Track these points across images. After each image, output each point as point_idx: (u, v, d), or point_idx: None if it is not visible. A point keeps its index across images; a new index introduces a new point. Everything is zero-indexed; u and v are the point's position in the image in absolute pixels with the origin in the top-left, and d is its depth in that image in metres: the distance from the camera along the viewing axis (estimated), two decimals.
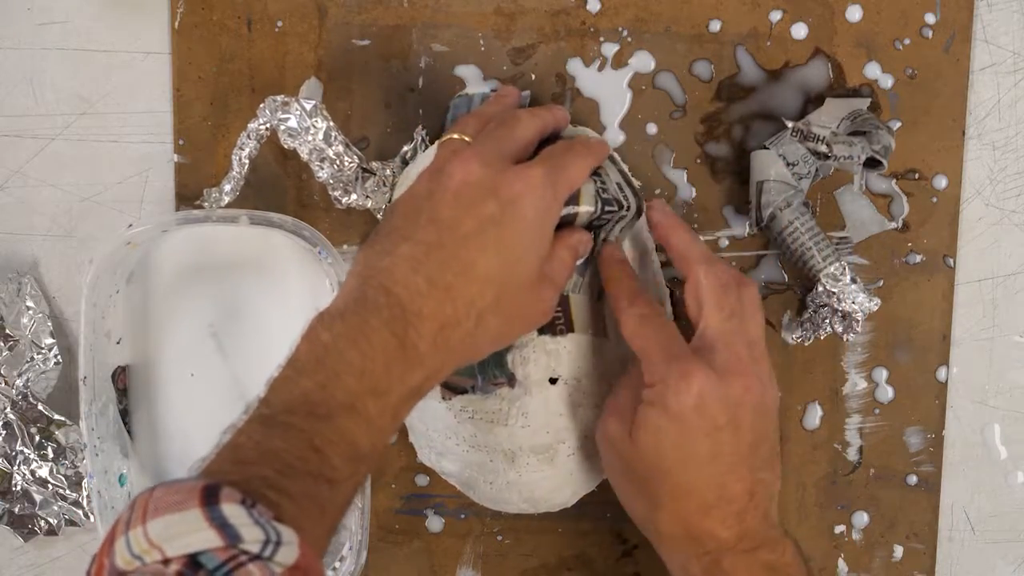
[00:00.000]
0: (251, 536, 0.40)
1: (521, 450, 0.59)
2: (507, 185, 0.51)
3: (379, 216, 0.63)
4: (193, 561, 0.39)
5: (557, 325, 0.58)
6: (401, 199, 0.53)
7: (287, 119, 0.60)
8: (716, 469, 0.53)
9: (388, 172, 0.62)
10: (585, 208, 0.56)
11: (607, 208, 0.57)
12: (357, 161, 0.61)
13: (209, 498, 0.41)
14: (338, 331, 0.48)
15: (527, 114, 0.56)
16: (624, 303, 0.56)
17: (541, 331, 0.58)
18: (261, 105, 0.60)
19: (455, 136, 0.55)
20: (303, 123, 0.60)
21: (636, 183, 0.63)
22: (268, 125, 0.60)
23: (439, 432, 0.61)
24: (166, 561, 0.39)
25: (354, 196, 0.61)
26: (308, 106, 0.60)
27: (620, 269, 0.58)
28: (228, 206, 0.62)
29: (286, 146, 0.60)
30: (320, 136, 0.60)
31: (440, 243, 0.50)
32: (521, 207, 0.51)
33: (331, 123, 0.60)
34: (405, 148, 0.63)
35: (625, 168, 0.62)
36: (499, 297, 0.51)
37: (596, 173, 0.58)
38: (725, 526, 0.54)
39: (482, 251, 0.50)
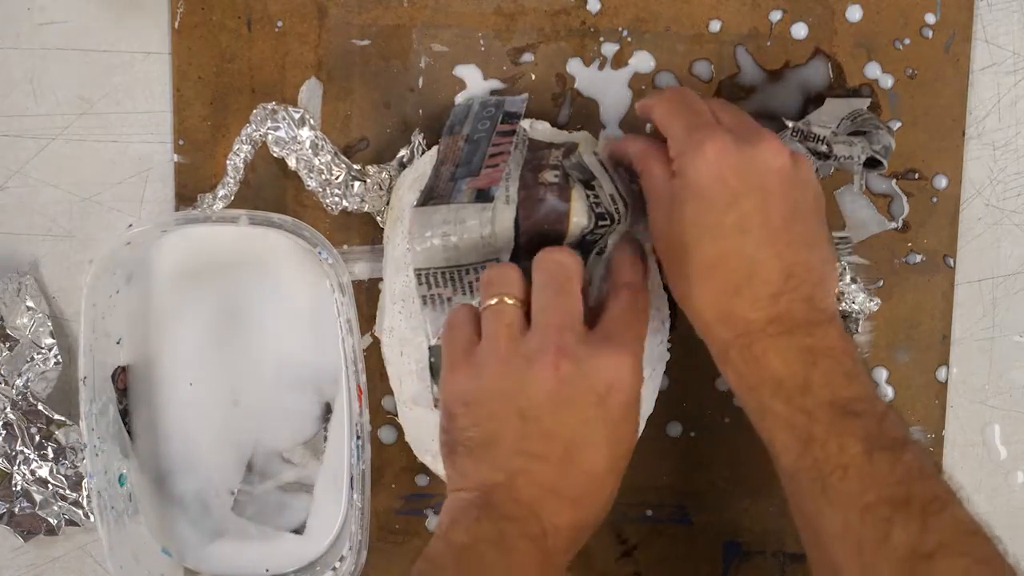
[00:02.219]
0: None
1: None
2: (603, 378, 0.50)
3: (378, 219, 0.63)
4: None
5: None
6: (483, 395, 0.51)
7: (276, 128, 0.60)
8: (743, 242, 0.51)
9: (385, 176, 0.62)
10: (576, 220, 0.56)
11: (600, 223, 0.57)
12: (345, 169, 0.61)
13: None
14: (475, 534, 0.48)
15: (572, 262, 0.53)
16: (653, 100, 0.56)
17: None
18: (253, 112, 0.60)
19: (504, 300, 0.52)
20: (290, 133, 0.60)
21: (636, 186, 0.63)
22: (260, 132, 0.60)
23: (433, 439, 0.61)
24: None
25: (345, 203, 0.61)
26: (296, 115, 0.60)
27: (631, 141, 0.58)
28: (227, 207, 0.62)
29: (275, 155, 0.60)
30: (307, 146, 0.60)
31: (555, 455, 0.49)
32: (620, 396, 0.50)
33: (319, 132, 0.60)
34: (402, 152, 0.63)
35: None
36: (617, 477, 0.51)
37: (590, 186, 0.58)
38: (755, 308, 0.51)
39: (597, 452, 0.50)
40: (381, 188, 0.62)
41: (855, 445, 0.49)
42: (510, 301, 0.52)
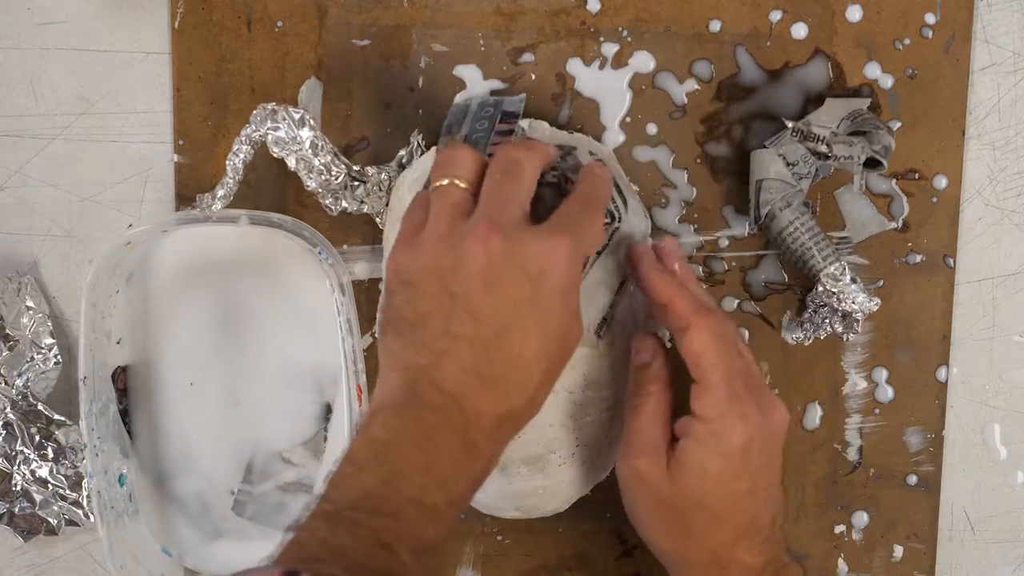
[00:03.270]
0: None
1: (512, 460, 0.59)
2: (535, 259, 0.49)
3: (377, 220, 0.63)
4: None
5: None
6: (418, 274, 0.50)
7: (276, 129, 0.60)
8: (751, 502, 0.55)
9: (384, 177, 0.62)
10: None
11: (602, 220, 0.57)
12: (345, 170, 0.61)
13: None
14: (395, 428, 0.48)
15: (527, 156, 0.52)
16: (692, 315, 0.54)
17: None
18: (253, 112, 0.60)
19: (453, 182, 0.51)
20: (290, 133, 0.60)
21: (634, 187, 0.63)
22: (260, 132, 0.60)
23: None
24: None
25: (344, 204, 0.61)
26: (296, 116, 0.60)
27: (676, 283, 0.55)
28: (228, 206, 0.62)
29: (274, 155, 0.60)
30: (307, 146, 0.60)
31: (480, 335, 0.48)
32: (552, 280, 0.49)
33: (318, 133, 0.60)
34: (401, 152, 0.63)
35: (620, 171, 0.62)
36: (548, 371, 0.50)
37: None
38: (752, 554, 0.55)
39: (525, 337, 0.49)
40: (380, 189, 0.62)
41: None
42: (459, 183, 0.51)
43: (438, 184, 0.52)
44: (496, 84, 0.64)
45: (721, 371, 0.53)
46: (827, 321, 0.63)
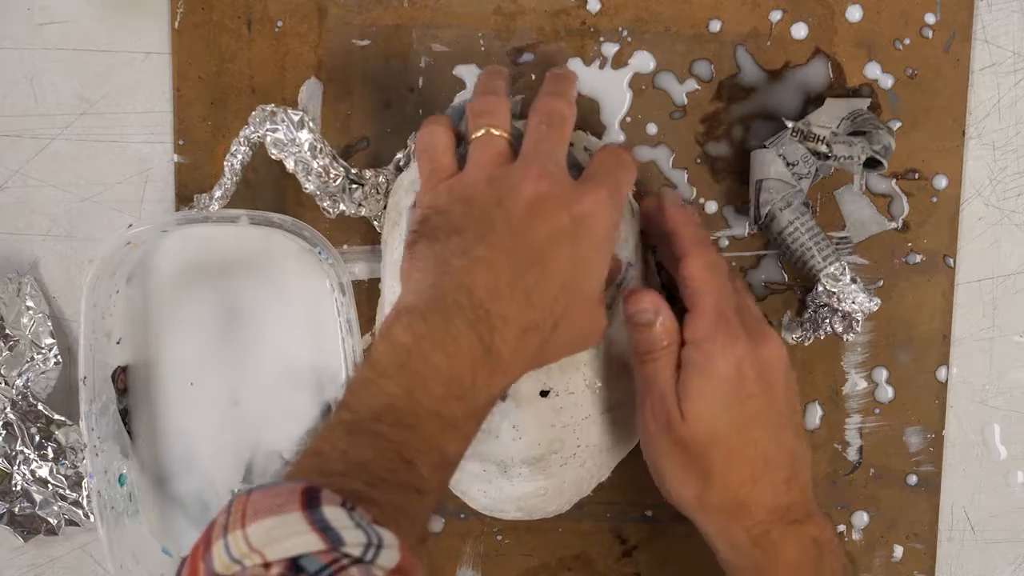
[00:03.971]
0: (352, 539, 0.39)
1: (513, 461, 0.59)
2: (578, 203, 0.51)
3: (375, 223, 0.63)
4: (294, 565, 0.38)
5: None
6: (461, 197, 0.52)
7: (275, 130, 0.60)
8: (760, 434, 0.55)
9: (381, 179, 0.62)
10: None
11: None
12: (343, 173, 0.61)
13: (310, 501, 0.40)
14: (420, 332, 0.47)
15: (568, 109, 0.55)
16: (690, 245, 0.56)
17: None
18: (252, 113, 0.60)
19: (491, 132, 0.54)
20: (289, 135, 0.60)
21: (633, 187, 0.63)
22: (258, 134, 0.60)
23: None
24: (267, 565, 0.39)
25: (343, 206, 0.61)
26: (295, 118, 0.60)
27: (685, 214, 0.58)
28: (227, 206, 0.62)
29: (272, 157, 0.60)
30: (305, 148, 0.60)
31: (517, 248, 0.50)
32: (592, 225, 0.51)
33: (317, 135, 0.60)
34: (399, 155, 0.63)
35: None
36: (569, 308, 0.51)
37: None
38: (774, 494, 0.55)
39: (557, 261, 0.50)
40: (378, 192, 0.62)
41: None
42: (499, 132, 0.54)
43: (478, 134, 0.54)
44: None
45: (712, 297, 0.55)
46: (827, 321, 0.63)
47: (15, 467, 0.63)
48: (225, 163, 0.61)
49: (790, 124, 0.61)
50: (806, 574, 0.55)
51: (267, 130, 0.60)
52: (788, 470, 0.56)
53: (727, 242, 0.65)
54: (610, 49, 0.64)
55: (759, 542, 0.55)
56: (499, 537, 0.66)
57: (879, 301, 0.62)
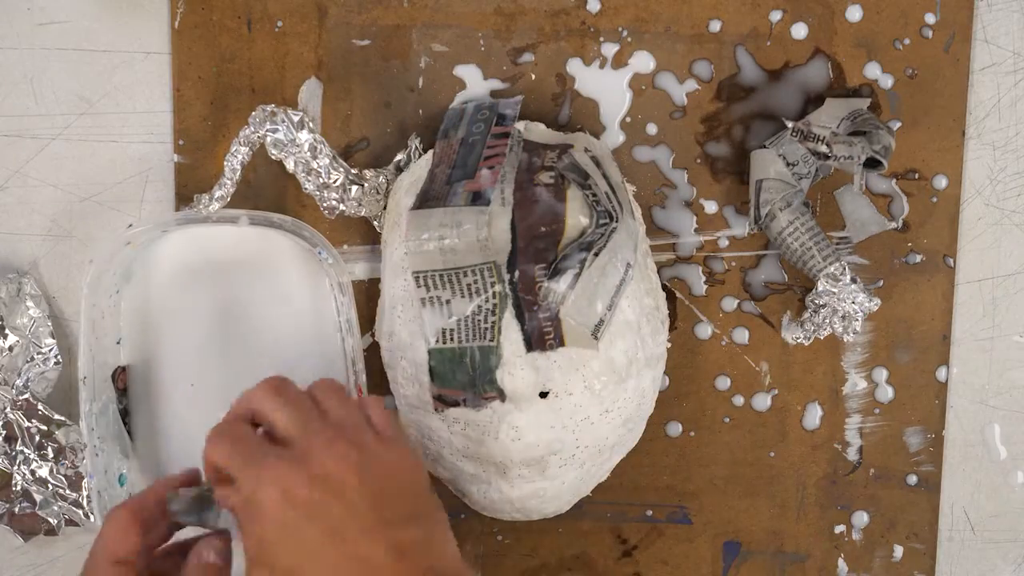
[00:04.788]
0: None
1: (512, 462, 0.59)
2: None
3: (375, 224, 0.63)
4: None
5: (547, 340, 0.57)
6: None
7: (275, 130, 0.60)
8: (344, 546, 0.47)
9: (381, 180, 0.62)
10: (573, 222, 0.56)
11: (601, 221, 0.57)
12: (343, 173, 0.61)
13: None
14: None
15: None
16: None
17: (531, 348, 0.58)
18: (252, 113, 0.60)
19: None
20: (289, 135, 0.60)
21: (632, 187, 0.63)
22: (258, 134, 0.60)
23: (432, 442, 0.61)
24: None
25: (342, 207, 0.61)
26: (295, 118, 0.60)
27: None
28: (227, 206, 0.62)
29: (272, 157, 0.60)
30: (305, 149, 0.60)
31: None
32: None
33: (317, 135, 0.60)
34: (399, 156, 0.63)
35: (617, 171, 0.61)
36: None
37: (586, 186, 0.58)
38: None
39: None
40: (378, 192, 0.62)
41: None
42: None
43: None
44: (496, 84, 0.64)
45: (229, 452, 0.50)
46: (827, 321, 0.63)
47: (15, 467, 0.63)
48: (225, 163, 0.61)
49: (790, 124, 0.61)
50: None
51: (267, 130, 0.60)
52: (393, 567, 0.47)
53: (727, 242, 0.65)
54: (610, 49, 0.64)
55: None
56: (499, 537, 0.66)
57: (879, 301, 0.62)
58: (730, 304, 0.65)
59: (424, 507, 0.51)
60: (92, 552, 0.50)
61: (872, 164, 0.61)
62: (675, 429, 0.66)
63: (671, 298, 0.65)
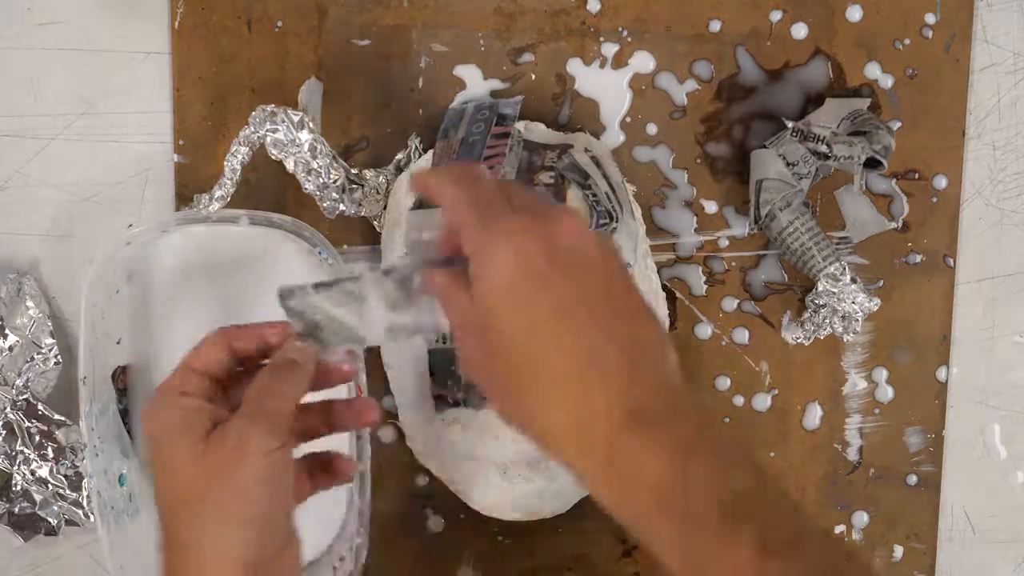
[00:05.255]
0: None
1: (512, 462, 0.59)
2: None
3: (375, 224, 0.63)
4: None
5: None
6: None
7: (275, 130, 0.60)
8: (570, 336, 0.44)
9: (381, 180, 0.62)
10: None
11: (601, 221, 0.57)
12: (343, 173, 0.61)
13: None
14: None
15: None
16: (433, 178, 0.48)
17: None
18: (252, 113, 0.60)
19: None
20: (289, 135, 0.60)
21: (632, 188, 0.63)
22: (258, 134, 0.60)
23: (433, 441, 0.61)
24: None
25: (342, 207, 0.61)
26: (295, 118, 0.60)
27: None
28: (227, 206, 0.62)
29: (272, 157, 0.60)
30: (305, 149, 0.60)
31: None
32: None
33: (317, 135, 0.60)
34: (399, 156, 0.63)
35: (617, 171, 0.61)
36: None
37: (586, 186, 0.58)
38: (609, 399, 0.43)
39: None
40: (378, 192, 0.62)
41: (746, 552, 0.42)
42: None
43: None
44: (496, 84, 0.64)
45: (460, 201, 0.46)
46: (827, 321, 0.63)
47: (15, 467, 0.63)
48: (225, 163, 0.61)
49: (790, 124, 0.61)
50: (669, 492, 0.43)
51: (267, 130, 0.60)
52: (626, 371, 0.44)
53: (727, 242, 0.65)
54: (610, 49, 0.64)
55: (612, 464, 0.43)
56: (499, 537, 0.66)
57: (879, 301, 0.62)
58: (730, 304, 0.65)
59: (651, 313, 0.46)
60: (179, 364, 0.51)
61: (872, 164, 0.61)
62: None
63: (671, 298, 0.65)
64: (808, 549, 0.43)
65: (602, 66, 0.64)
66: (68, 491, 0.64)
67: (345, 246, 0.64)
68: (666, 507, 0.43)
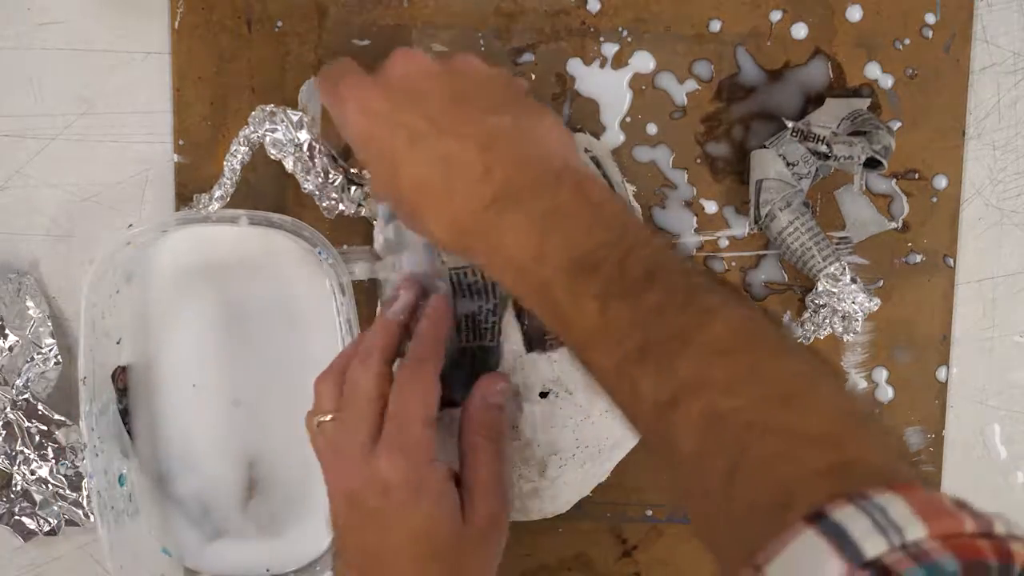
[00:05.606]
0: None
1: (512, 462, 0.59)
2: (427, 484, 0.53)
3: (375, 224, 0.63)
4: None
5: (547, 340, 0.57)
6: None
7: (274, 130, 0.60)
8: (423, 147, 0.49)
9: None
10: None
11: None
12: (343, 173, 0.61)
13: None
14: None
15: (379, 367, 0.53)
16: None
17: (531, 348, 0.58)
18: (252, 113, 0.60)
19: (326, 419, 0.54)
20: (288, 135, 0.60)
21: (632, 188, 0.63)
22: (258, 134, 0.60)
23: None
24: None
25: (342, 207, 0.61)
26: (295, 118, 0.60)
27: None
28: (227, 206, 0.62)
29: (272, 157, 0.60)
30: (304, 148, 0.60)
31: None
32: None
33: (316, 135, 0.60)
34: None
35: (617, 171, 0.62)
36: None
37: None
38: (472, 195, 0.48)
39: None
40: None
41: (591, 304, 0.44)
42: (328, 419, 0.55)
43: (310, 419, 0.55)
44: None
45: (328, 90, 0.54)
46: (827, 321, 0.63)
47: (15, 467, 0.63)
48: (225, 163, 0.61)
49: (790, 124, 0.61)
50: (527, 260, 0.46)
51: (266, 130, 0.60)
52: (478, 158, 0.48)
53: (727, 242, 0.65)
54: (610, 49, 0.64)
55: (485, 248, 0.48)
56: None
57: (879, 301, 0.62)
58: None
59: (513, 102, 0.51)
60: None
61: (872, 164, 0.61)
62: None
63: None
64: (655, 289, 0.44)
65: (602, 66, 0.64)
66: (68, 491, 0.64)
67: (345, 246, 0.64)
68: (525, 277, 0.47)
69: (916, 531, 0.34)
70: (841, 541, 0.34)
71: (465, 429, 0.55)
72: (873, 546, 0.33)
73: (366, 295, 0.64)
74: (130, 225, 0.63)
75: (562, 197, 0.47)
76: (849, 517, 0.34)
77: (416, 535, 0.52)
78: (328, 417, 0.54)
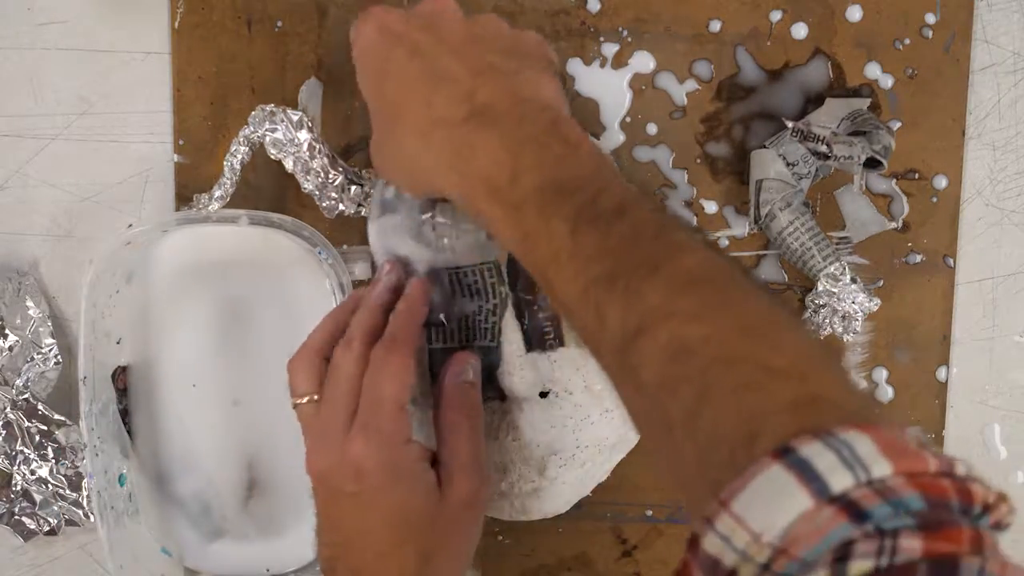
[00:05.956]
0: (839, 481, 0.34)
1: (512, 463, 0.59)
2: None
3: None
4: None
5: (547, 340, 0.57)
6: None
7: (274, 130, 0.60)
8: (423, 60, 0.51)
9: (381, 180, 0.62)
10: None
11: None
12: (343, 173, 0.61)
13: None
14: None
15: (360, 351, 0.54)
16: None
17: (531, 348, 0.58)
18: (252, 113, 0.60)
19: (303, 402, 0.54)
20: (288, 135, 0.60)
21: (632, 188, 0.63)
22: (258, 134, 0.60)
23: (432, 441, 0.61)
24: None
25: (342, 207, 0.61)
26: (295, 118, 0.60)
27: None
28: (227, 206, 0.62)
29: (272, 157, 0.60)
30: (304, 148, 0.60)
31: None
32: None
33: (316, 135, 0.60)
34: None
35: (616, 171, 0.61)
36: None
37: None
38: (451, 106, 0.49)
39: None
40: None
41: (561, 226, 0.45)
42: (306, 400, 0.55)
43: (295, 401, 0.55)
44: None
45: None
46: (827, 321, 0.63)
47: (15, 467, 0.63)
48: (225, 163, 0.61)
49: (790, 124, 0.61)
50: (499, 180, 0.47)
51: (266, 130, 0.60)
52: (468, 79, 0.50)
53: (727, 242, 0.65)
54: (610, 49, 0.64)
55: (453, 157, 0.49)
56: (499, 537, 0.66)
57: (879, 301, 0.62)
58: None
59: (524, 55, 0.53)
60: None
61: (872, 164, 0.61)
62: None
63: None
64: (626, 221, 0.45)
65: (602, 66, 0.64)
66: (68, 491, 0.64)
67: (345, 246, 0.64)
68: (495, 193, 0.47)
69: (882, 468, 0.34)
70: (808, 475, 0.34)
71: (441, 407, 0.55)
72: (839, 481, 0.34)
73: None
74: (130, 225, 0.63)
75: (539, 129, 0.48)
76: (816, 453, 0.35)
77: (392, 517, 0.52)
78: (305, 399, 0.54)
